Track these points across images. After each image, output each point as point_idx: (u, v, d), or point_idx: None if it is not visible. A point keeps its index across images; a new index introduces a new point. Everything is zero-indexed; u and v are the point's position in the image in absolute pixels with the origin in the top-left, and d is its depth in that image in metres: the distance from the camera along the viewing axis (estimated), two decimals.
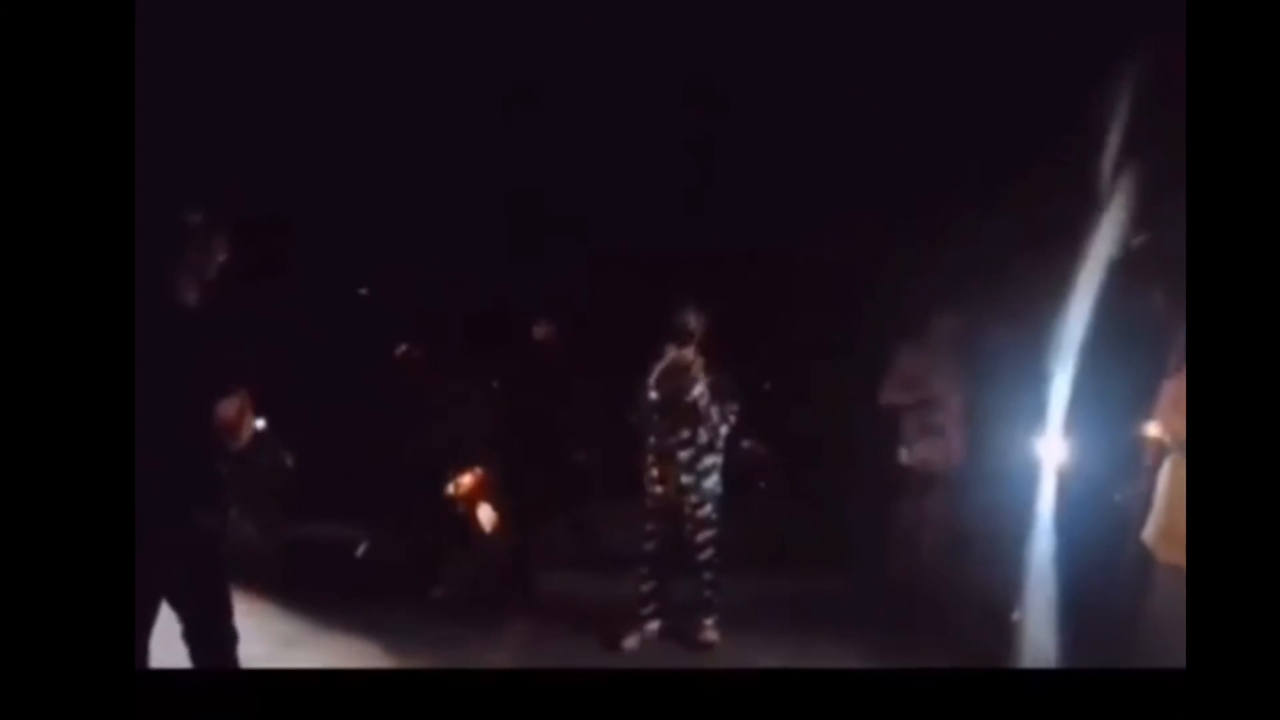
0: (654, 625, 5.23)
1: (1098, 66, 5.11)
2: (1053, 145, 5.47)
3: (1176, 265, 4.24)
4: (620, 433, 5.52)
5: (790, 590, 6.17)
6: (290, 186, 7.13)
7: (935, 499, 5.85)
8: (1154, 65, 4.84)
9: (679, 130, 7.40)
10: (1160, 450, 3.64)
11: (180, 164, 4.52)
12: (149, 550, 2.67)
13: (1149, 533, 3.50)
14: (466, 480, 6.19)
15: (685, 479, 5.16)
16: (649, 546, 5.23)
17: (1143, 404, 4.17)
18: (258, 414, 3.15)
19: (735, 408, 5.14)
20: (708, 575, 5.24)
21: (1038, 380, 4.93)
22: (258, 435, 3.45)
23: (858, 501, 6.45)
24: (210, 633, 3.02)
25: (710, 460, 5.19)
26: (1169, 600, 3.30)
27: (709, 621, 5.26)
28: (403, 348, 6.28)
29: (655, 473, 5.22)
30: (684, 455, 5.15)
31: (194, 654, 3.01)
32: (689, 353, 5.09)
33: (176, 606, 3.00)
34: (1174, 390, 3.43)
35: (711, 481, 5.20)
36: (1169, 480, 3.47)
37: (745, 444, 6.85)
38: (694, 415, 5.10)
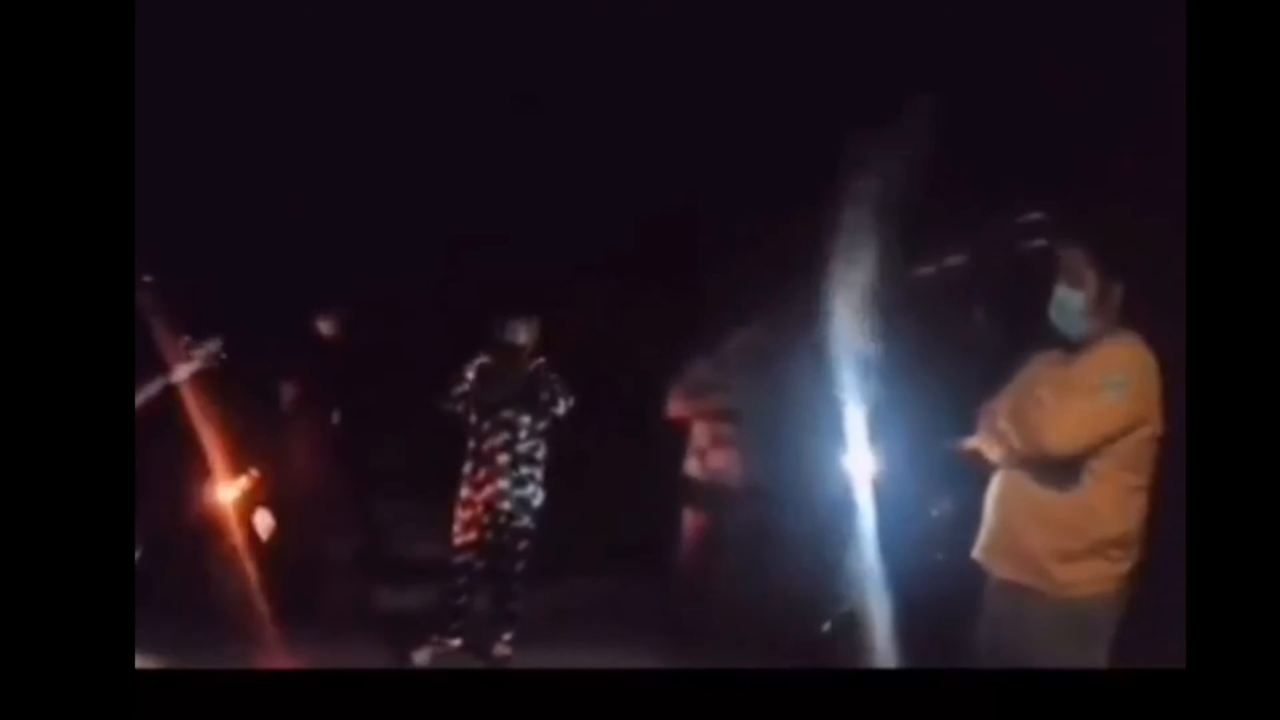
0: (455, 642, 4.98)
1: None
2: (862, 157, 5.59)
3: (996, 285, 4.43)
4: (425, 437, 5.24)
5: (584, 601, 6.05)
6: None
7: (733, 509, 5.80)
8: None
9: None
10: (985, 467, 3.67)
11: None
12: None
13: (980, 550, 3.53)
14: (241, 484, 5.65)
15: (503, 485, 4.92)
16: (462, 559, 4.97)
17: (960, 420, 4.29)
18: None
19: (559, 414, 4.97)
20: (515, 587, 5.04)
21: (841, 393, 4.99)
22: None
23: (656, 512, 6.35)
24: None
25: (527, 470, 4.98)
26: (1006, 616, 3.35)
27: (506, 636, 5.09)
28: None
29: (478, 477, 4.97)
30: (503, 460, 4.92)
31: None
32: (516, 359, 4.89)
33: None
34: (1004, 407, 3.45)
35: (529, 490, 4.99)
36: (997, 497, 3.49)
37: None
38: (516, 422, 4.92)
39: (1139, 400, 3.16)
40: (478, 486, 4.97)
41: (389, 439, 6.18)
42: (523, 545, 5.05)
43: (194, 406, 4.41)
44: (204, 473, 5.23)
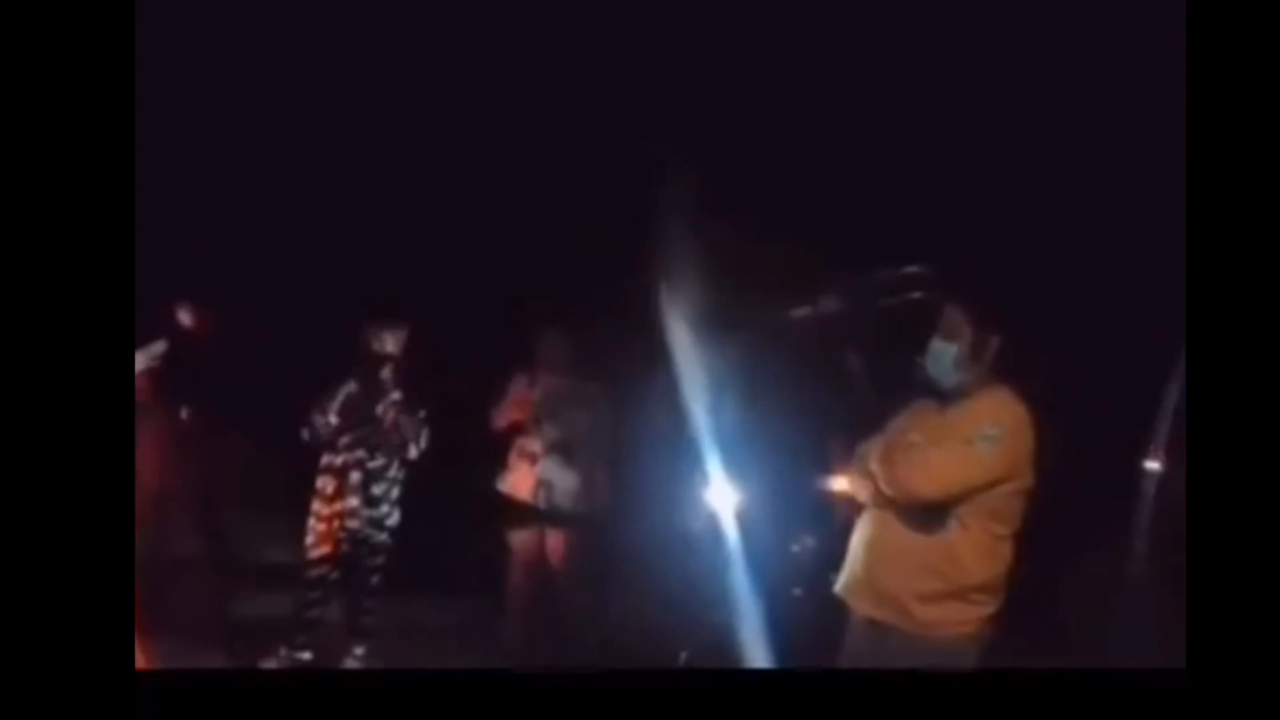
0: (305, 655, 4.80)
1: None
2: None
3: (870, 332, 4.54)
4: (284, 442, 5.05)
5: (440, 618, 5.93)
6: None
7: (579, 532, 5.69)
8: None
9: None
10: (852, 507, 3.74)
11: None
12: None
13: (842, 586, 3.59)
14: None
15: (354, 502, 4.80)
16: (315, 572, 4.82)
17: (825, 460, 4.37)
18: None
19: (411, 458, 4.91)
20: (368, 602, 4.91)
21: (694, 420, 5.02)
22: None
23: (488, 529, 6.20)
24: None
25: (383, 488, 4.87)
26: (866, 653, 3.42)
27: (359, 650, 4.95)
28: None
29: (329, 491, 4.82)
30: (356, 477, 4.81)
31: None
32: (380, 373, 4.78)
33: None
34: (876, 450, 3.51)
35: (383, 510, 4.89)
36: (863, 537, 3.54)
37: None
38: (377, 436, 4.82)
39: (1009, 454, 3.26)
40: (329, 500, 4.83)
41: (241, 441, 5.94)
42: (378, 560, 4.92)
43: None
44: None
